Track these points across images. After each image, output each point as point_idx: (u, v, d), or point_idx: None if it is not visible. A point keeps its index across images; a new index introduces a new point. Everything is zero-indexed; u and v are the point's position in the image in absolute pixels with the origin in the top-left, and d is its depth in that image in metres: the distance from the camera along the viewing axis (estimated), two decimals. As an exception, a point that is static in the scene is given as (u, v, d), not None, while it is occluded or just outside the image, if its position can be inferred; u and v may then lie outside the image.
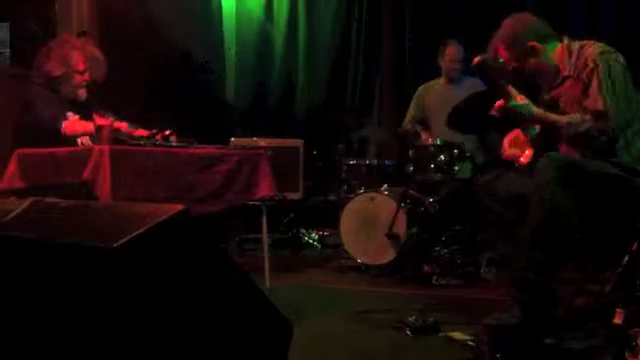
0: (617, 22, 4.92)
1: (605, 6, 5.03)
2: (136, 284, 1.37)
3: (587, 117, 2.53)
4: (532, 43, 2.68)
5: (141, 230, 1.35)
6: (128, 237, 1.33)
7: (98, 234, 1.43)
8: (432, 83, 4.86)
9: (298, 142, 5.08)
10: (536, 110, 2.64)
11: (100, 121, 3.28)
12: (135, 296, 1.37)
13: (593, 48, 2.62)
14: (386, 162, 4.77)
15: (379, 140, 5.61)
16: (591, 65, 2.56)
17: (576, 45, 2.69)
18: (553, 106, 2.71)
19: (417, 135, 4.64)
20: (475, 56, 2.80)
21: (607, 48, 2.61)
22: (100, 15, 4.92)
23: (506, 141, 2.96)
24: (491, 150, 4.51)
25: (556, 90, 2.73)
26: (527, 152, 2.87)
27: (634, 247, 2.48)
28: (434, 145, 4.20)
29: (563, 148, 2.70)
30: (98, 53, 3.56)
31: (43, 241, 1.47)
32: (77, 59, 3.45)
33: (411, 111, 4.89)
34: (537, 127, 2.82)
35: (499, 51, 2.74)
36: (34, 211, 1.62)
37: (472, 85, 4.59)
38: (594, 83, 2.54)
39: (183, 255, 1.46)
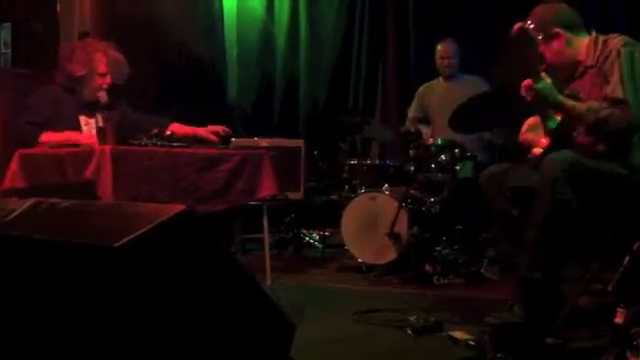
0: (630, 18, 4.91)
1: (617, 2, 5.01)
2: (138, 284, 1.37)
3: (605, 104, 2.52)
4: (557, 29, 2.70)
5: (143, 230, 1.35)
6: (130, 237, 1.33)
7: (100, 234, 1.43)
8: (432, 82, 4.88)
9: (299, 142, 5.08)
10: (559, 97, 2.61)
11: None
12: (137, 296, 1.37)
13: (618, 40, 2.63)
14: (387, 162, 4.77)
15: (381, 140, 5.61)
16: (614, 54, 2.57)
17: (602, 38, 2.70)
18: (573, 99, 2.69)
19: (419, 134, 4.64)
20: (483, 54, 2.80)
21: (632, 40, 2.62)
22: (102, 15, 4.93)
23: (525, 125, 2.96)
24: (493, 149, 4.51)
25: (576, 83, 2.72)
26: (543, 141, 2.85)
27: (636, 246, 2.48)
28: (435, 145, 4.20)
29: (580, 138, 2.69)
30: (121, 57, 3.57)
31: (45, 241, 1.48)
32: (99, 61, 3.46)
33: (412, 111, 4.90)
34: (557, 118, 2.80)
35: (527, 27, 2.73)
36: (36, 211, 1.62)
37: (472, 84, 4.60)
38: (615, 72, 2.53)
39: (185, 255, 1.46)
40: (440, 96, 4.72)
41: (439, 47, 4.75)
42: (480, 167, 4.18)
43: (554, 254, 2.44)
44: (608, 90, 2.53)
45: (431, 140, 4.32)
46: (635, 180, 2.52)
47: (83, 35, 4.87)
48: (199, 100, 5.41)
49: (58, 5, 4.82)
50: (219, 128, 3.63)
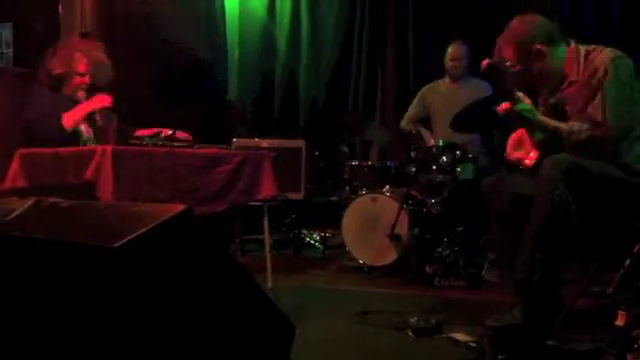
0: (625, 18, 4.90)
1: (614, 3, 5.01)
2: (138, 284, 1.37)
3: (586, 126, 2.52)
4: (539, 46, 2.65)
5: (143, 230, 1.35)
6: (130, 237, 1.33)
7: (100, 234, 1.43)
8: (436, 83, 4.87)
9: (300, 143, 5.08)
10: (540, 116, 2.63)
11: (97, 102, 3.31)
12: (137, 296, 1.37)
13: (604, 54, 2.59)
14: (388, 163, 4.77)
15: (382, 141, 5.62)
16: (601, 73, 2.54)
17: (583, 49, 2.66)
18: (557, 109, 2.69)
19: (419, 136, 4.65)
20: (481, 58, 2.78)
21: (618, 53, 2.58)
22: (103, 16, 4.92)
23: (510, 144, 2.93)
24: (494, 151, 4.51)
25: (562, 93, 2.71)
26: (532, 154, 2.86)
27: (636, 249, 2.48)
28: (436, 146, 4.20)
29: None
30: (104, 58, 3.57)
31: (45, 241, 1.48)
32: (79, 61, 3.47)
33: (412, 110, 4.88)
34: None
35: (505, 52, 2.70)
36: (36, 211, 1.62)
37: (477, 87, 4.59)
38: (599, 93, 2.52)
39: (185, 255, 1.46)
40: (443, 97, 4.72)
41: (450, 49, 4.73)
42: (481, 169, 4.18)
43: (553, 256, 2.44)
44: (590, 110, 2.53)
45: (432, 142, 4.31)
46: (631, 181, 2.52)
47: (84, 35, 4.88)
48: (200, 100, 5.40)
49: (59, 5, 4.82)
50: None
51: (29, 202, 1.64)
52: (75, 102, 3.48)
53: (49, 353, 1.49)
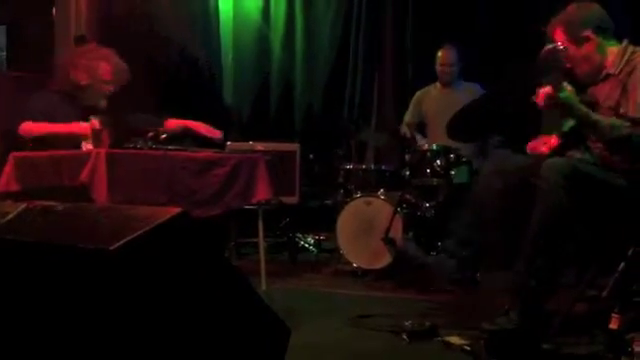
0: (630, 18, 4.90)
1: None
2: (133, 287, 1.37)
3: (627, 123, 2.51)
4: (588, 32, 2.67)
5: (138, 233, 1.35)
6: (125, 240, 1.33)
7: (95, 237, 1.42)
8: (429, 88, 4.87)
9: (295, 146, 5.08)
10: (582, 106, 2.59)
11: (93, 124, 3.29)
12: (132, 299, 1.36)
13: None
14: (383, 167, 4.77)
15: (377, 145, 5.62)
16: (636, 74, 2.55)
17: (630, 49, 2.68)
18: (590, 107, 2.68)
19: (414, 139, 4.65)
20: (479, 61, 2.79)
21: None
22: (98, 19, 4.92)
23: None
24: (487, 153, 4.51)
25: (596, 88, 2.71)
26: (553, 141, 2.82)
27: (630, 252, 2.48)
28: (431, 150, 4.20)
29: (596, 145, 2.68)
30: (124, 65, 3.57)
31: (40, 244, 1.47)
32: (104, 69, 3.46)
33: (408, 116, 4.89)
34: (571, 122, 2.77)
35: (555, 32, 2.73)
36: (30, 214, 1.62)
37: (469, 90, 4.60)
38: (637, 90, 2.52)
39: (180, 258, 1.46)
40: (436, 102, 4.72)
41: (439, 53, 4.71)
42: (475, 173, 4.18)
43: (551, 260, 2.45)
44: (629, 109, 2.52)
45: (426, 146, 4.32)
46: (632, 190, 2.53)
47: (79, 38, 4.87)
48: (195, 104, 5.40)
49: (54, 8, 4.81)
50: (217, 133, 3.64)
51: (23, 205, 1.63)
52: (87, 110, 3.44)
53: (45, 356, 1.48)
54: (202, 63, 5.74)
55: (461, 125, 3.39)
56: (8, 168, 3.06)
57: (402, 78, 5.85)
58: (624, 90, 2.58)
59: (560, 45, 2.67)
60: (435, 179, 4.16)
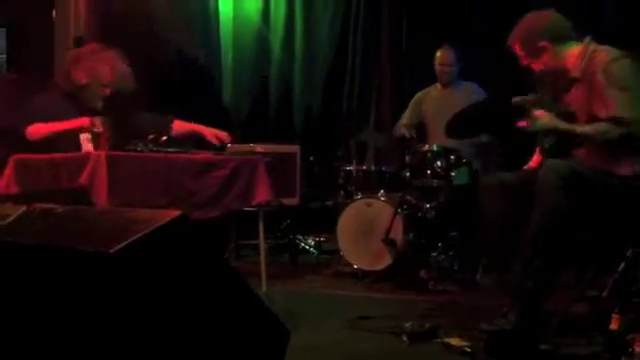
0: (624, 17, 4.91)
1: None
2: (133, 289, 1.37)
3: (610, 126, 2.52)
4: (543, 43, 2.69)
5: (138, 236, 1.35)
6: (125, 243, 1.33)
7: (95, 240, 1.43)
8: (429, 89, 4.86)
9: (295, 148, 5.08)
10: (561, 124, 2.62)
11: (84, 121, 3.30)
12: (132, 301, 1.37)
13: (604, 54, 2.62)
14: (383, 168, 4.77)
15: (376, 146, 5.62)
16: (603, 72, 2.56)
17: (592, 48, 2.68)
18: (569, 117, 2.70)
19: (414, 140, 4.65)
20: (476, 60, 2.82)
21: (618, 54, 2.61)
22: (98, 20, 4.92)
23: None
24: (485, 153, 4.52)
25: (569, 95, 2.72)
26: (535, 159, 2.87)
27: (629, 253, 2.49)
28: (431, 151, 4.20)
29: (582, 153, 2.70)
30: (128, 69, 3.57)
31: (39, 247, 1.47)
32: (105, 72, 3.46)
33: (406, 117, 4.88)
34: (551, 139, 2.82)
35: (515, 47, 2.76)
36: (30, 217, 1.62)
37: (469, 90, 4.60)
38: (608, 91, 2.53)
39: (180, 261, 1.46)
40: (436, 102, 4.71)
41: (438, 53, 4.70)
42: (475, 174, 4.19)
43: (550, 261, 2.45)
44: (609, 111, 2.52)
45: (427, 147, 4.32)
46: (626, 190, 2.53)
47: (78, 39, 4.87)
48: (194, 105, 5.40)
49: (53, 10, 4.81)
50: (223, 135, 3.64)
51: (23, 208, 1.64)
52: (88, 111, 3.45)
53: (45, 358, 1.48)
54: (201, 64, 5.73)
55: (461, 124, 3.40)
56: (8, 171, 3.07)
57: (399, 78, 5.86)
58: (592, 91, 2.59)
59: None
60: (435, 180, 4.16)
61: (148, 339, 1.40)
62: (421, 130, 4.81)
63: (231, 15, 6.13)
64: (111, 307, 1.36)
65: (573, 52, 2.70)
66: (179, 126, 3.67)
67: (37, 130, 3.28)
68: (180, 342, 1.47)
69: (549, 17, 2.76)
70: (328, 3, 6.19)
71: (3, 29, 4.65)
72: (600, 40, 2.74)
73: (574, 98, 2.68)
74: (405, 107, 4.99)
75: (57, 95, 3.46)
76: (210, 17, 5.95)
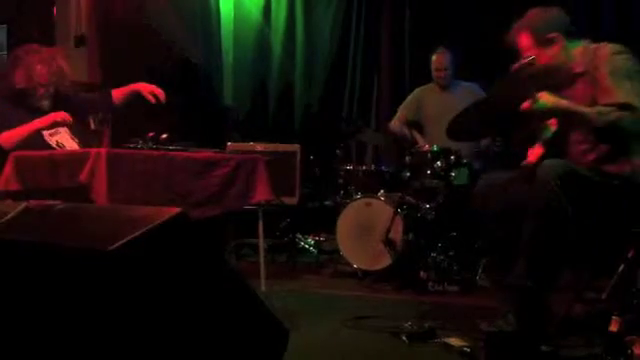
0: (619, 18, 4.93)
1: (607, 3, 5.03)
2: (132, 287, 1.37)
3: (613, 109, 2.50)
4: (553, 34, 2.69)
5: (137, 233, 1.35)
6: (124, 240, 1.32)
7: (94, 237, 1.42)
8: (429, 86, 4.86)
9: (295, 147, 5.08)
10: (563, 102, 2.57)
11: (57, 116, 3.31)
12: (131, 299, 1.36)
13: (607, 48, 2.63)
14: (383, 168, 4.77)
15: (374, 142, 5.62)
16: (607, 64, 2.57)
17: (592, 46, 2.70)
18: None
19: (413, 140, 4.65)
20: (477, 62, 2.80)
21: (620, 47, 2.63)
22: (99, 19, 4.92)
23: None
24: (485, 154, 4.52)
25: (570, 90, 2.71)
26: (537, 150, 2.83)
27: (630, 254, 2.48)
28: (431, 151, 4.20)
29: (573, 148, 2.69)
30: (64, 65, 3.57)
31: (38, 244, 1.47)
32: (40, 72, 3.45)
33: (403, 110, 4.87)
34: (552, 128, 2.79)
35: (521, 37, 2.74)
36: (30, 214, 1.61)
37: (468, 91, 4.60)
38: (611, 81, 2.53)
39: (179, 259, 1.45)
40: (434, 104, 4.71)
41: (433, 58, 4.73)
42: (475, 174, 4.18)
43: (547, 262, 2.44)
44: (612, 98, 2.51)
45: (427, 147, 4.32)
46: (626, 189, 2.53)
47: (79, 39, 4.88)
48: (195, 105, 5.40)
49: (54, 8, 4.81)
50: (158, 91, 3.59)
51: (22, 205, 1.63)
52: (39, 113, 3.45)
53: (44, 356, 1.48)
54: (202, 64, 5.74)
55: (462, 126, 3.39)
56: (8, 168, 3.06)
57: (400, 78, 5.86)
58: (594, 82, 2.59)
59: (526, 58, 2.68)
60: (435, 181, 4.16)
61: (147, 337, 1.40)
62: (419, 130, 4.81)
63: (232, 14, 6.14)
64: (110, 305, 1.36)
65: (578, 50, 2.71)
66: (118, 94, 3.67)
67: (11, 136, 3.29)
68: (178, 340, 1.47)
69: (558, 12, 2.78)
70: (329, 3, 6.20)
71: (4, 26, 4.65)
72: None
73: (576, 93, 2.67)
74: (405, 107, 4.99)
75: (3, 100, 3.46)
76: (211, 16, 5.95)
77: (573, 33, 2.74)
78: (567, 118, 2.65)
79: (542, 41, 2.70)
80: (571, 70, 2.70)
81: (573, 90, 2.70)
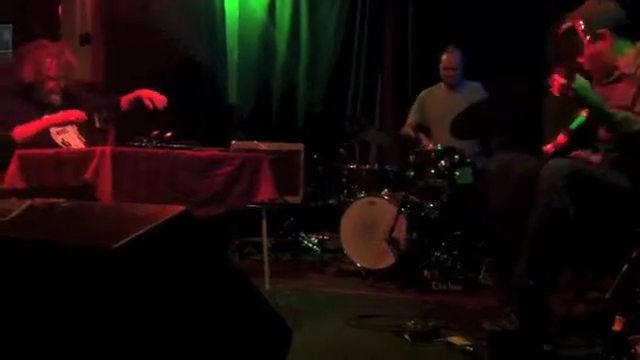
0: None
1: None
2: (136, 285, 1.37)
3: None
4: (603, 30, 2.67)
5: (142, 231, 1.35)
6: (128, 238, 1.33)
7: (99, 235, 1.43)
8: (434, 88, 4.87)
9: (299, 146, 5.08)
10: (596, 95, 2.55)
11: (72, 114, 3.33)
12: (135, 297, 1.37)
13: None
14: (387, 167, 4.76)
15: (378, 142, 5.62)
16: None
17: None
18: None
19: (418, 140, 4.65)
20: (480, 61, 2.78)
21: None
22: (104, 18, 4.93)
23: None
24: (491, 154, 4.51)
25: (606, 87, 2.70)
26: (560, 139, 2.78)
27: (634, 254, 2.48)
28: (435, 150, 4.19)
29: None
30: (72, 60, 3.59)
31: (43, 242, 1.48)
32: (49, 65, 3.46)
33: (413, 116, 4.89)
34: (582, 115, 2.71)
35: (575, 22, 2.72)
36: (34, 212, 1.62)
37: (473, 90, 4.60)
38: None
39: (183, 257, 1.46)
40: (440, 103, 4.72)
41: (443, 57, 4.72)
42: (479, 173, 4.18)
43: (550, 261, 2.44)
44: None
45: (431, 146, 4.32)
46: (632, 190, 2.52)
47: (84, 37, 4.88)
48: (199, 103, 5.40)
49: (59, 7, 4.82)
50: (157, 96, 3.62)
51: (27, 203, 1.64)
52: (48, 108, 3.46)
53: (46, 355, 1.48)
54: (207, 63, 5.74)
55: (465, 124, 3.39)
56: (13, 166, 3.07)
57: (402, 79, 5.86)
58: (638, 87, 2.58)
59: (578, 24, 2.65)
60: (439, 180, 4.15)
61: (151, 335, 1.41)
62: (425, 131, 4.81)
63: (237, 13, 6.14)
64: (113, 303, 1.36)
65: (629, 51, 2.69)
66: (125, 100, 3.71)
67: (23, 132, 3.31)
68: (182, 339, 1.47)
69: (614, 7, 2.74)
70: (333, 2, 6.20)
71: (9, 25, 4.66)
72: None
73: (616, 92, 2.65)
74: (409, 107, 4.99)
75: (10, 95, 3.48)
76: (215, 15, 5.95)
77: (626, 27, 2.71)
78: (594, 112, 2.61)
79: (591, 34, 2.68)
80: (615, 69, 2.68)
81: (613, 88, 2.68)
